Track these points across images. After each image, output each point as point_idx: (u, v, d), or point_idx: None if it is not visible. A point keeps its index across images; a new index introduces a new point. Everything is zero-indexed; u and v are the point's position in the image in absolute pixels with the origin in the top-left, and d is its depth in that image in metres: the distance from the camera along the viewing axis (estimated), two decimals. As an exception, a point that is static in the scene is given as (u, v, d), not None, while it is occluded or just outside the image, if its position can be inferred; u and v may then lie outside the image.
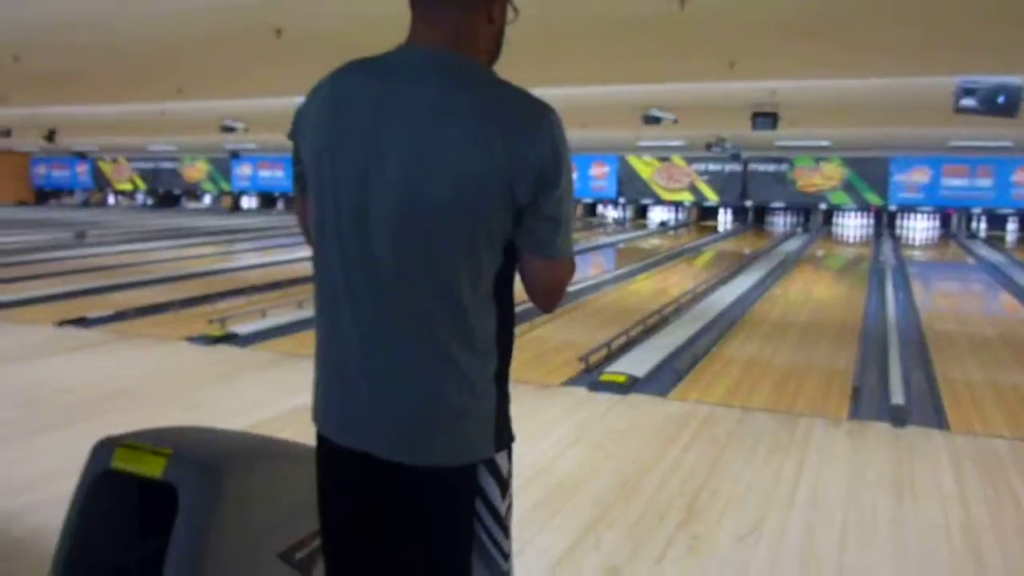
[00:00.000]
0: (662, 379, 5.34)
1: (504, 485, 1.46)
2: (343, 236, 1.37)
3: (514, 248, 1.40)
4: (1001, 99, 8.27)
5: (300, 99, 1.49)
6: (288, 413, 4.41)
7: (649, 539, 3.04)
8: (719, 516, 3.26)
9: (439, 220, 1.31)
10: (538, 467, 3.71)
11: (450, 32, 1.37)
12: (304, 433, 1.79)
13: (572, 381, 5.25)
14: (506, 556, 1.49)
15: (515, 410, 1.49)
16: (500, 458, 1.44)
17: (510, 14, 1.46)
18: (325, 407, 1.47)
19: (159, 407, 4.60)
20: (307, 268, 1.51)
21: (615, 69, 8.07)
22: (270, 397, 4.80)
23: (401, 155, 1.31)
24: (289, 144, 1.53)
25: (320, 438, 1.49)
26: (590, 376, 5.34)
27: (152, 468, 1.75)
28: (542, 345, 6.22)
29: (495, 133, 1.30)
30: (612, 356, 5.89)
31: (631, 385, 5.14)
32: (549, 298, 1.48)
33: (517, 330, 1.50)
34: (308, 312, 7.28)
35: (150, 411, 4.46)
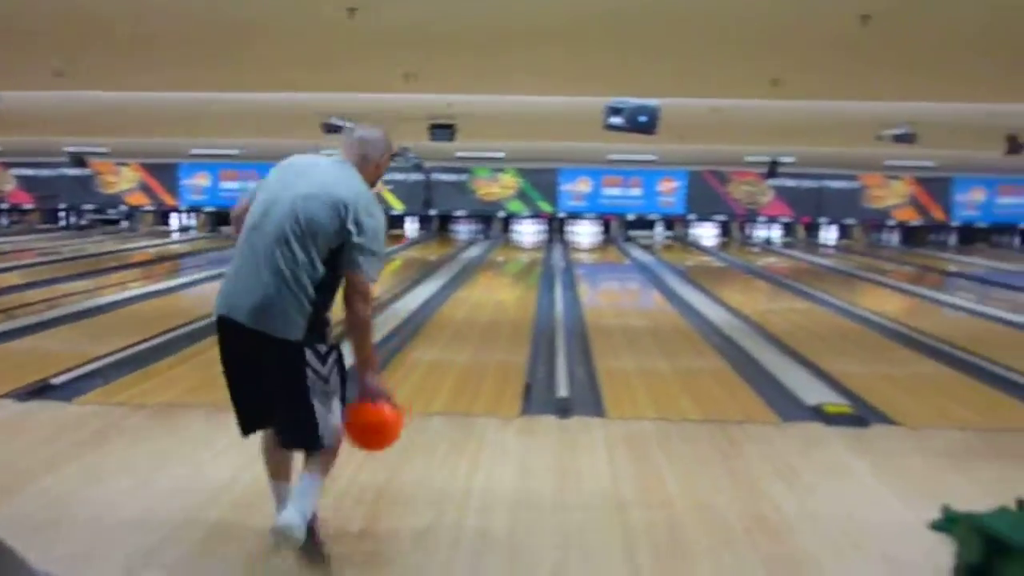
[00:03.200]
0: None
1: (322, 358, 2.81)
2: (255, 225, 2.81)
3: (336, 253, 2.81)
4: (642, 118, 9.36)
5: None
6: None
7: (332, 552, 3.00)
8: (398, 522, 3.31)
9: (308, 225, 2.75)
10: (215, 488, 3.51)
11: (356, 160, 2.98)
12: None
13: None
14: (332, 393, 2.87)
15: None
16: (319, 345, 2.81)
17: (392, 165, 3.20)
18: (226, 302, 2.80)
19: None
20: None
21: (288, 75, 7.89)
22: None
23: (298, 193, 2.80)
24: None
25: (221, 318, 2.81)
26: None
27: None
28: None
29: (347, 192, 2.82)
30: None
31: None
32: (353, 301, 2.84)
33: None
34: None
35: None
